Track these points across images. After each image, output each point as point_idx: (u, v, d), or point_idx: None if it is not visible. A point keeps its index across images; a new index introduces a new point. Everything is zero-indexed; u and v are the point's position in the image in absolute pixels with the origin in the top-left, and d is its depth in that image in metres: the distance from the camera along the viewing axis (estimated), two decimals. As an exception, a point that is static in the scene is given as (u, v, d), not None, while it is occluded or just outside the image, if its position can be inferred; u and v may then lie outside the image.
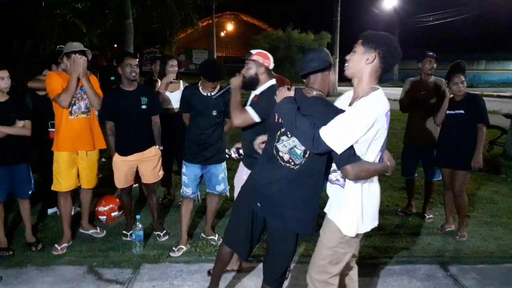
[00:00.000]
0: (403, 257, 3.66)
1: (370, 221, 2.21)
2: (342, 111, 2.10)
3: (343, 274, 2.48)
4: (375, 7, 33.16)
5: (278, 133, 2.27)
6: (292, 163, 2.24)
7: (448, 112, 4.00)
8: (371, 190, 2.17)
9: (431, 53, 4.39)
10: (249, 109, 2.83)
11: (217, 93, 3.39)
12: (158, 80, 4.60)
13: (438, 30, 33.30)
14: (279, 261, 2.43)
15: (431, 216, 4.55)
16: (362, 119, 1.95)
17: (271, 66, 2.96)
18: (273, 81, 2.98)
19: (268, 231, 2.44)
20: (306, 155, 2.21)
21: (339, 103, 2.30)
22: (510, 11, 29.67)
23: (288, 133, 2.23)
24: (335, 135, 1.98)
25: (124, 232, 3.95)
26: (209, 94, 3.44)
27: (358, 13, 35.66)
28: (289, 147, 2.24)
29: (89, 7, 12.96)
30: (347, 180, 2.11)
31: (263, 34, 18.73)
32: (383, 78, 34.87)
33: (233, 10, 39.64)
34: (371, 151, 2.08)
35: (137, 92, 3.67)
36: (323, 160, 2.20)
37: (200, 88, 3.48)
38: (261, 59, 2.89)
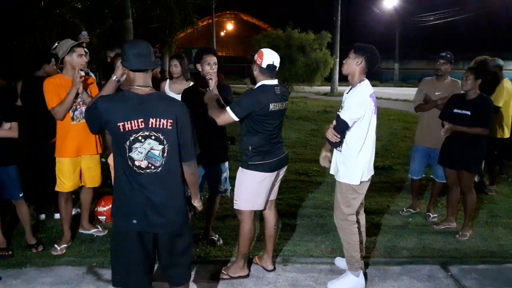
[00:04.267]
0: (403, 258, 3.65)
1: (366, 174, 3.02)
2: None
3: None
4: (376, 7, 33.17)
5: (128, 143, 2.11)
6: (152, 167, 2.15)
7: (455, 110, 3.92)
8: (362, 152, 2.95)
9: (443, 54, 4.32)
10: (228, 109, 2.90)
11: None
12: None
13: (438, 30, 33.23)
14: (187, 260, 2.35)
15: (436, 215, 4.53)
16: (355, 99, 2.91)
17: (264, 64, 2.89)
18: (263, 82, 2.92)
19: (162, 246, 2.26)
20: (165, 154, 2.17)
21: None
22: (510, 11, 29.65)
23: (141, 137, 2.11)
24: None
25: (123, 232, 3.93)
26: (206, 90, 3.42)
27: (358, 13, 35.74)
28: (145, 151, 2.13)
29: (89, 7, 12.96)
30: (343, 146, 2.98)
31: (263, 33, 18.66)
32: (384, 78, 34.95)
33: (232, 10, 39.67)
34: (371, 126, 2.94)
35: None
36: (178, 157, 2.23)
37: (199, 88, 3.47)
38: (256, 57, 2.94)
